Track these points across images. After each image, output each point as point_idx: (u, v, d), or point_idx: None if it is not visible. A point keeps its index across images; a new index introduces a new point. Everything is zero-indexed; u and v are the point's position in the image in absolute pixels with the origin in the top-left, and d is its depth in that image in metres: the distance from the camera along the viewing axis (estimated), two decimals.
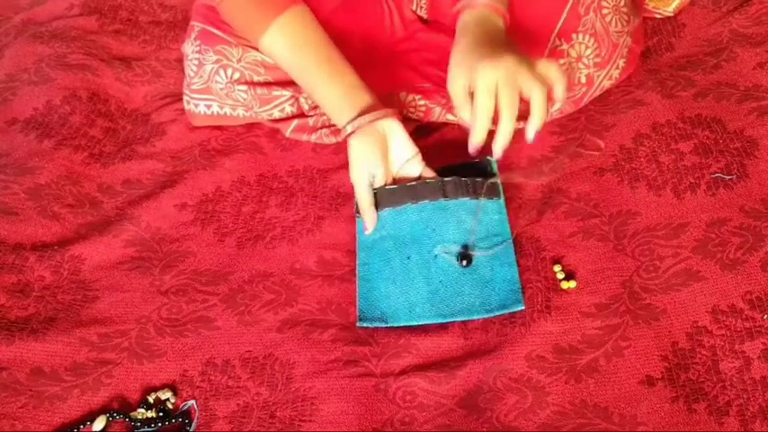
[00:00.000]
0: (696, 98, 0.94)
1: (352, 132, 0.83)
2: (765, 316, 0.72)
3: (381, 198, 0.85)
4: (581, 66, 0.92)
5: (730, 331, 0.72)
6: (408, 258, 0.83)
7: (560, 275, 0.79)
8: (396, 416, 0.72)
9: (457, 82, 0.78)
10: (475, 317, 0.78)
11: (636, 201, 0.85)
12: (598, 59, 0.92)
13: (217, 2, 0.90)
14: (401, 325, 0.79)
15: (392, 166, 0.86)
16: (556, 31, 0.91)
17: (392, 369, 0.75)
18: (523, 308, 0.77)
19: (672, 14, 1.07)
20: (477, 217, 0.83)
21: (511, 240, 0.83)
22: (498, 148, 0.76)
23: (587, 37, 0.91)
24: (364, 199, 0.84)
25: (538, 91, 0.74)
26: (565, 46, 0.91)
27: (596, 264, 0.80)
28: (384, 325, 0.79)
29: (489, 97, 0.74)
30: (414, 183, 0.86)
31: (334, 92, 0.86)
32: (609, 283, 0.78)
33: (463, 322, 0.78)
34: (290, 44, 0.89)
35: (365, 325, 0.79)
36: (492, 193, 0.86)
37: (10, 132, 1.04)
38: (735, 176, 0.84)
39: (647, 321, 0.74)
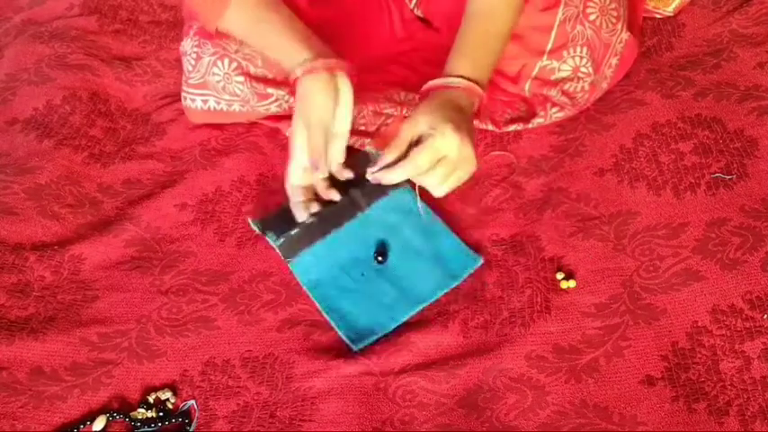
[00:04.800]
0: (696, 98, 0.94)
1: (306, 73, 0.83)
2: (765, 316, 0.72)
3: (301, 239, 0.85)
4: (580, 74, 0.92)
5: (730, 331, 0.72)
6: (362, 275, 0.84)
7: (560, 275, 0.79)
8: (396, 415, 0.72)
9: (413, 129, 0.77)
10: (445, 290, 0.81)
11: (636, 201, 0.85)
12: (593, 65, 0.92)
13: None
14: (391, 329, 0.79)
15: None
16: (544, 59, 0.92)
17: (392, 368, 0.75)
18: (482, 261, 0.81)
19: (672, 14, 1.07)
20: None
21: (434, 215, 0.85)
22: (385, 176, 0.77)
23: (579, 48, 0.91)
24: (319, 143, 0.82)
25: (458, 177, 0.77)
26: (555, 64, 0.92)
27: (596, 264, 0.80)
28: (376, 336, 0.79)
29: (430, 161, 0.75)
30: (323, 209, 0.86)
31: (289, 40, 0.86)
32: (609, 283, 0.78)
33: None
34: (250, 16, 0.89)
35: (362, 345, 0.78)
36: (398, 184, 0.84)
37: (10, 132, 1.04)
38: (735, 176, 0.84)
39: (647, 321, 0.74)
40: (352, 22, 1.00)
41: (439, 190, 0.77)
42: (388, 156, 0.77)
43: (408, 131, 0.77)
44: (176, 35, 1.22)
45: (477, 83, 0.82)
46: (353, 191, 0.87)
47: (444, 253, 0.83)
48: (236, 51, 0.97)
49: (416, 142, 0.77)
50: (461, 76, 0.81)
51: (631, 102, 0.95)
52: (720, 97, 0.93)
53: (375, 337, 0.79)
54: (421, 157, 0.75)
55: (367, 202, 0.88)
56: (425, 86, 0.84)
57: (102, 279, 0.87)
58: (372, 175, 0.77)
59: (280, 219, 0.87)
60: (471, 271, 0.81)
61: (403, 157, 0.77)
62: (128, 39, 1.21)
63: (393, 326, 0.79)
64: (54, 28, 1.19)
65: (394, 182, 0.77)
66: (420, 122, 0.77)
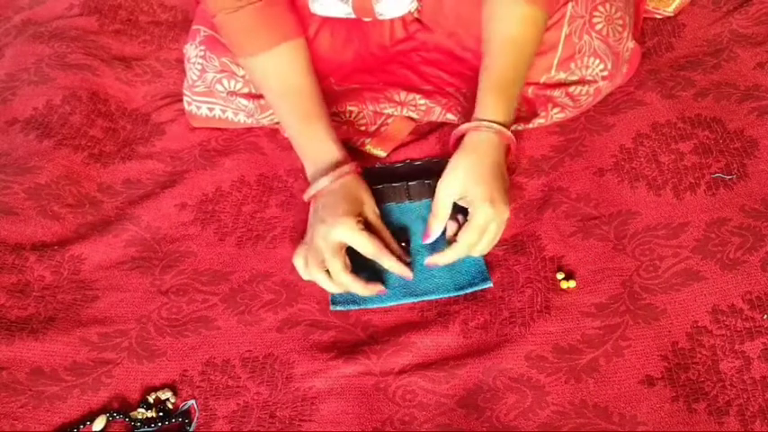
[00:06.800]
0: (696, 98, 0.94)
1: (316, 194, 0.84)
2: (765, 316, 0.72)
3: None
4: (588, 79, 0.92)
5: (730, 331, 0.72)
6: None
7: (560, 275, 0.79)
8: (396, 415, 0.72)
9: (450, 192, 0.80)
10: (446, 295, 0.81)
11: (636, 201, 0.85)
12: (605, 72, 0.92)
13: (212, 12, 0.88)
14: (374, 307, 0.81)
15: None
16: (552, 72, 0.92)
17: (392, 368, 0.75)
18: (492, 285, 0.81)
19: (672, 14, 1.07)
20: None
21: None
22: (441, 260, 0.81)
23: (587, 59, 0.91)
24: (344, 279, 0.79)
25: (489, 245, 0.81)
26: (563, 75, 0.92)
27: (596, 263, 0.80)
28: (357, 307, 0.81)
29: (478, 236, 0.79)
30: (380, 186, 0.90)
31: (302, 146, 0.88)
32: (609, 283, 0.78)
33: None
34: (273, 83, 0.89)
35: (339, 308, 0.81)
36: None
37: (10, 132, 1.04)
38: (735, 176, 0.84)
39: (647, 321, 0.74)
40: (353, 21, 1.00)
41: (483, 253, 0.81)
42: (436, 227, 0.81)
43: (446, 198, 0.80)
44: (176, 35, 1.22)
45: (507, 126, 0.82)
46: (412, 182, 0.91)
47: (461, 265, 0.83)
48: (244, 75, 0.97)
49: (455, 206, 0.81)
50: (494, 121, 0.81)
51: (631, 102, 0.95)
52: (720, 97, 0.93)
53: (355, 308, 0.81)
54: (469, 238, 0.78)
55: (418, 197, 0.90)
56: (457, 131, 0.84)
57: (102, 279, 0.87)
58: (428, 261, 0.82)
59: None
60: (476, 290, 0.81)
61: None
62: (128, 39, 1.21)
63: (377, 305, 0.81)
64: (54, 28, 1.19)
65: (449, 262, 0.81)
66: (455, 188, 0.80)
